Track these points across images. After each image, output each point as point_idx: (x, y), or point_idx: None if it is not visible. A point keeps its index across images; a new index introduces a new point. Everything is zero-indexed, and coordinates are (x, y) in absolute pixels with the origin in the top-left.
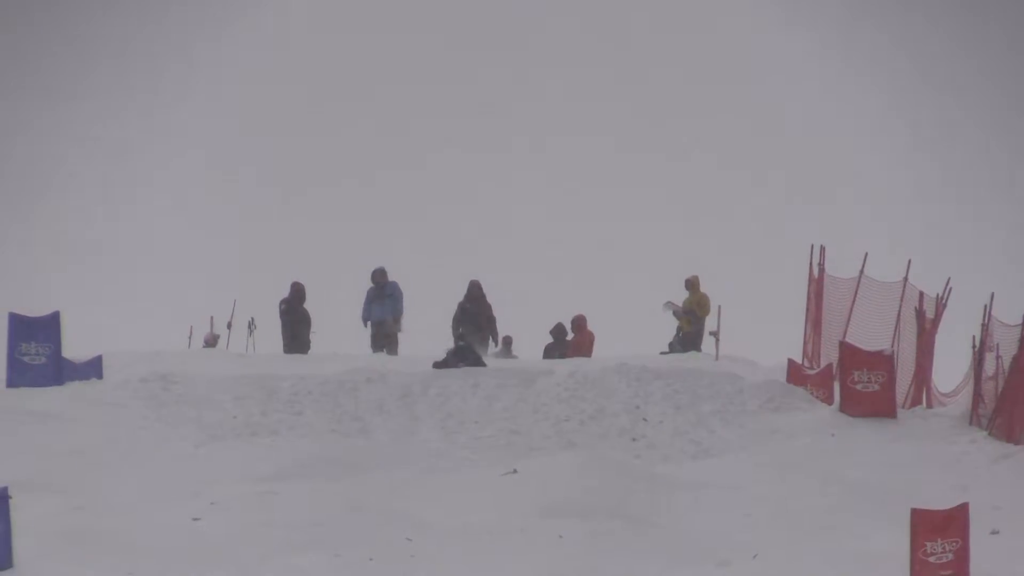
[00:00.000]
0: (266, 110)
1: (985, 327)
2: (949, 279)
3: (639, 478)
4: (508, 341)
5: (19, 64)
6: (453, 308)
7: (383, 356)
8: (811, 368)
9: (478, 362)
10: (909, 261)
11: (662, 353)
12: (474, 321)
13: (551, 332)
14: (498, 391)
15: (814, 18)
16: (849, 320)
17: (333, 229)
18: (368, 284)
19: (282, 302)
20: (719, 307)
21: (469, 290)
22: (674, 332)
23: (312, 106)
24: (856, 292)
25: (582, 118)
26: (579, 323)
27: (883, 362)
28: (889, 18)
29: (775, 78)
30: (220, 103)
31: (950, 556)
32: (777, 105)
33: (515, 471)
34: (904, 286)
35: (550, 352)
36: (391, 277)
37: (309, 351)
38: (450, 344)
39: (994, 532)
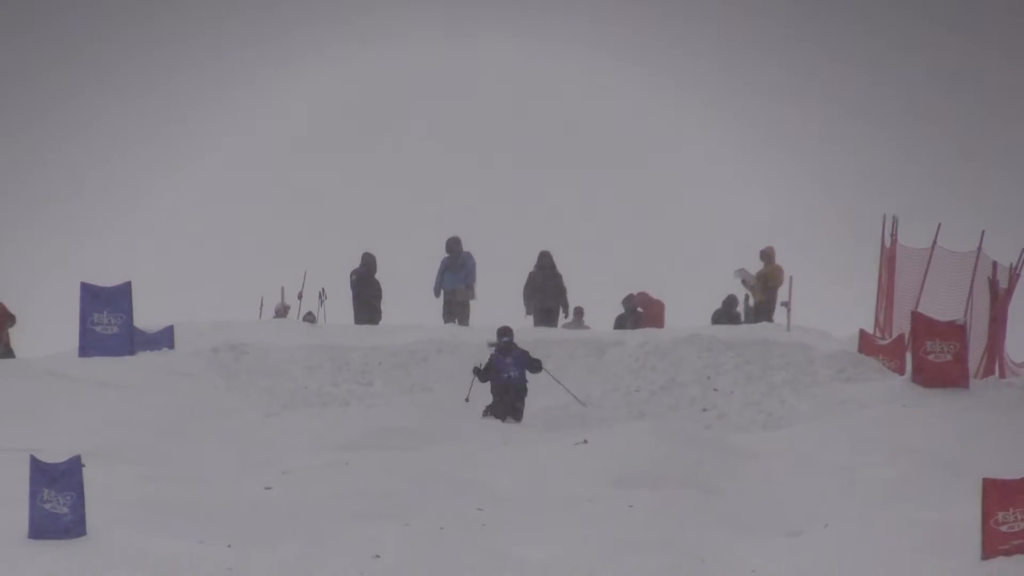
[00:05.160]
0: (335, 80)
1: None
2: (1023, 249)
3: (709, 448)
4: (580, 312)
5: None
6: (524, 278)
7: (454, 326)
8: (883, 338)
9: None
10: (983, 232)
11: (716, 320)
12: (545, 291)
13: (623, 303)
14: (568, 361)
15: None
16: (922, 290)
17: (404, 199)
18: (442, 254)
19: (353, 273)
20: (791, 277)
21: (540, 260)
22: (743, 300)
23: (383, 75)
24: (929, 262)
25: (651, 84)
26: (642, 300)
27: (956, 332)
28: None
29: (846, 45)
30: (290, 73)
31: (1022, 525)
32: (847, 75)
33: (585, 441)
34: (977, 256)
35: (621, 323)
36: (464, 247)
37: (380, 321)
38: (521, 316)
39: None
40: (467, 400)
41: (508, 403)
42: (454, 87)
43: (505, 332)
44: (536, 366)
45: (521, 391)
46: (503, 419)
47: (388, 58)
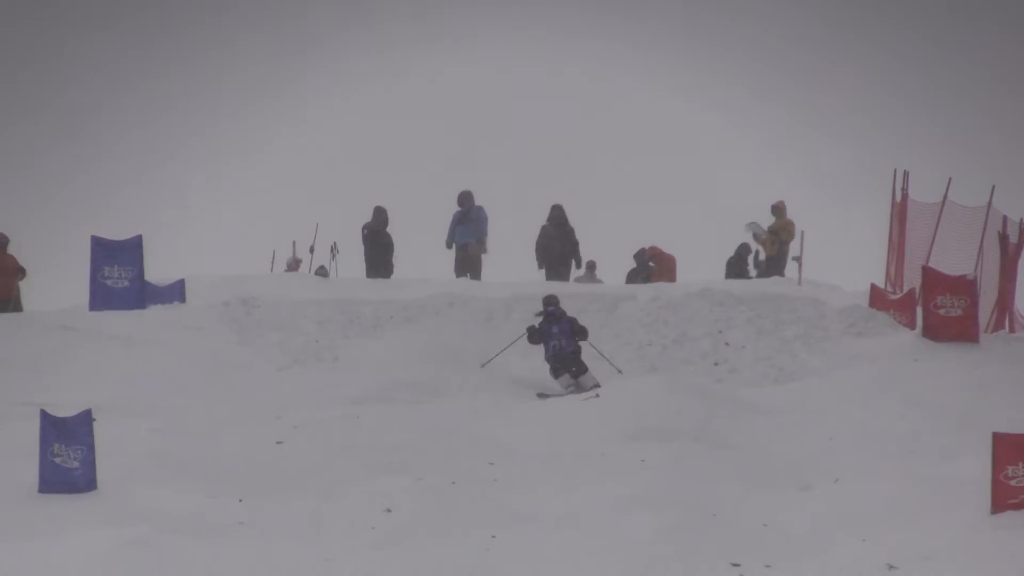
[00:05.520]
0: (352, 32)
1: None
2: None
3: (721, 402)
4: (592, 265)
5: None
6: (536, 232)
7: (466, 280)
8: (894, 293)
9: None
10: (993, 186)
11: (730, 267)
12: (557, 245)
13: (634, 257)
14: (580, 316)
15: None
16: (932, 245)
17: (417, 153)
18: (454, 208)
19: (365, 226)
20: (802, 232)
21: (552, 213)
22: (753, 254)
23: (398, 32)
24: (939, 217)
25: (663, 42)
26: (654, 254)
27: (966, 287)
28: None
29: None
30: (309, 26)
31: None
32: (856, 31)
33: (597, 395)
34: (988, 210)
35: (633, 277)
36: (477, 201)
37: (392, 275)
38: (533, 270)
39: None
40: (483, 367)
41: (565, 365)
42: (457, 50)
43: (551, 301)
44: (582, 334)
45: (574, 355)
46: (573, 377)
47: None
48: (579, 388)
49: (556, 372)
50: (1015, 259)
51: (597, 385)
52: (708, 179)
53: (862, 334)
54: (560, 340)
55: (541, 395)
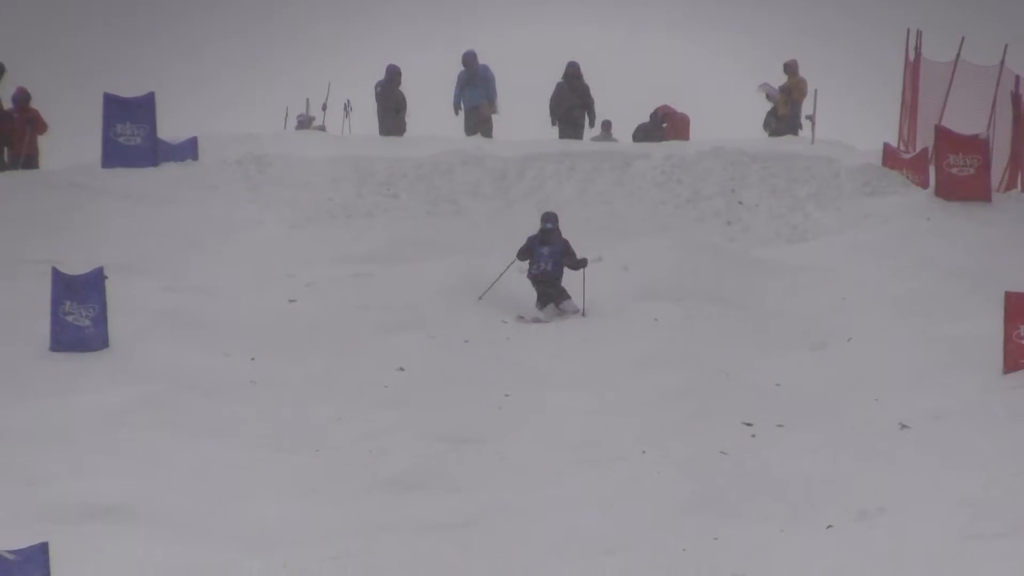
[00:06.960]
0: None
1: None
2: None
3: (734, 262)
4: (607, 125)
5: None
6: (551, 89)
7: (479, 139)
8: (907, 152)
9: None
10: (1006, 46)
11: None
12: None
13: (650, 117)
14: (594, 174)
15: None
16: (945, 105)
17: (429, 9)
18: (459, 68)
19: (377, 84)
20: (815, 91)
21: (567, 70)
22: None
23: None
24: (952, 76)
25: None
26: (666, 113)
27: (978, 146)
28: None
29: None
30: None
31: None
32: None
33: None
34: (1000, 70)
35: (644, 132)
36: (485, 60)
37: (404, 133)
38: (547, 128)
39: None
40: (480, 299)
41: (548, 292)
42: None
43: (548, 219)
44: (575, 264)
45: (556, 279)
46: (557, 304)
47: None
48: (562, 314)
49: (541, 301)
50: None
51: (578, 310)
52: (720, 38)
53: (875, 193)
54: (547, 263)
55: (520, 318)
